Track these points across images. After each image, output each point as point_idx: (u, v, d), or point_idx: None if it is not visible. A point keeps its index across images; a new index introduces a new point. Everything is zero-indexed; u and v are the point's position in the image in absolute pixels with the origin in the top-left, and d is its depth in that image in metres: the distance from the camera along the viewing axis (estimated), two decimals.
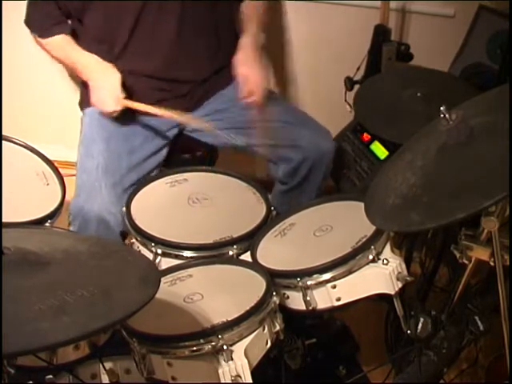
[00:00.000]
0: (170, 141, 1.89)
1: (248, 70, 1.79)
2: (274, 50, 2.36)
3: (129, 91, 1.81)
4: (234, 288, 1.39)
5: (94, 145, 1.76)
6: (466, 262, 1.40)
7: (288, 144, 1.83)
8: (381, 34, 2.07)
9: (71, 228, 1.69)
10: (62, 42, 1.81)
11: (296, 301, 1.42)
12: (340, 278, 1.38)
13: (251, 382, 1.23)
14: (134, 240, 1.56)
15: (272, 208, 1.64)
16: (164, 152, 1.87)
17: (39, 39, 1.83)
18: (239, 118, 1.88)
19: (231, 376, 1.21)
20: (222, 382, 1.21)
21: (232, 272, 1.45)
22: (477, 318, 1.52)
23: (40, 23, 1.81)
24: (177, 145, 1.93)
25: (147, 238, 1.51)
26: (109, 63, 1.78)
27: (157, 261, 1.49)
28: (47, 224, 1.51)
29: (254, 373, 1.24)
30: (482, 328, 1.52)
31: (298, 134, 1.83)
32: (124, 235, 1.68)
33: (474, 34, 2.12)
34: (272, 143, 1.86)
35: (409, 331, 1.47)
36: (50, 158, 1.68)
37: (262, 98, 1.78)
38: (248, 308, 1.26)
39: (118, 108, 1.73)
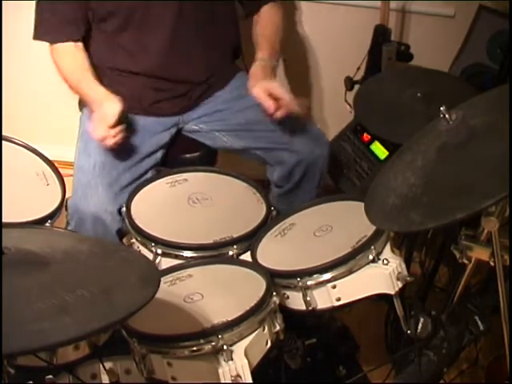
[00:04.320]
0: (167, 141, 1.88)
1: (262, 87, 1.70)
2: None
3: (128, 91, 1.81)
4: (234, 288, 1.39)
5: (92, 143, 1.75)
6: (466, 262, 1.40)
7: (282, 147, 1.82)
8: (381, 34, 2.07)
9: (69, 227, 1.69)
10: (74, 60, 1.78)
11: (296, 301, 1.42)
12: (340, 278, 1.38)
13: (251, 382, 1.23)
14: (133, 240, 1.56)
15: (272, 208, 1.64)
16: (161, 152, 1.87)
17: (51, 46, 1.79)
18: (235, 121, 1.88)
19: (231, 376, 1.21)
20: (222, 382, 1.21)
21: (232, 272, 1.45)
22: (477, 318, 1.52)
23: (51, 26, 1.77)
24: (176, 145, 1.93)
25: (147, 238, 1.51)
26: (111, 97, 1.69)
27: (157, 261, 1.49)
28: (47, 224, 1.51)
29: (254, 373, 1.24)
30: (482, 328, 1.52)
31: (292, 138, 1.82)
32: (121, 234, 1.68)
33: (474, 33, 2.12)
34: (267, 146, 1.86)
35: (409, 331, 1.47)
36: (50, 158, 1.68)
37: (290, 105, 1.67)
38: (248, 308, 1.26)
39: (109, 134, 1.63)
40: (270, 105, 1.68)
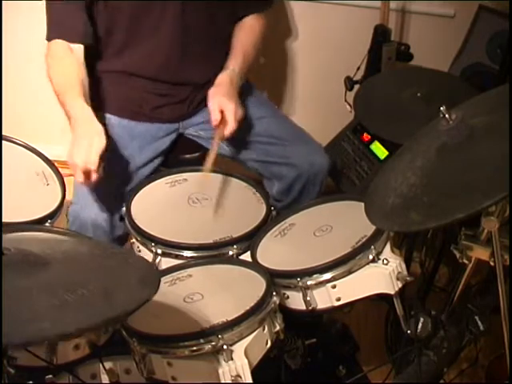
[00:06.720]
0: (167, 147, 1.87)
1: (220, 104, 1.67)
2: (274, 50, 2.36)
3: (128, 94, 1.81)
4: (234, 288, 1.39)
5: None
6: (466, 261, 1.40)
7: (282, 161, 1.81)
8: (381, 34, 2.07)
9: None
10: (70, 65, 1.69)
11: (296, 301, 1.42)
12: (340, 278, 1.38)
13: (251, 382, 1.23)
14: (134, 240, 1.56)
15: (272, 208, 1.64)
16: (159, 159, 1.85)
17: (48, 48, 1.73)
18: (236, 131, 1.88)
19: (231, 376, 1.21)
20: (222, 382, 1.21)
21: (232, 272, 1.45)
22: (477, 318, 1.52)
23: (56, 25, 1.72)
24: (177, 146, 1.92)
25: (147, 238, 1.52)
26: (96, 122, 1.56)
27: (157, 261, 1.49)
28: (47, 224, 1.51)
29: (253, 373, 1.24)
30: (482, 328, 1.52)
31: (291, 151, 1.80)
32: (122, 240, 1.68)
33: (474, 34, 2.12)
34: (265, 160, 1.85)
35: (409, 331, 1.47)
36: (50, 158, 1.68)
37: (230, 132, 1.66)
38: (248, 308, 1.26)
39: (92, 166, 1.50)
40: (215, 120, 1.66)
